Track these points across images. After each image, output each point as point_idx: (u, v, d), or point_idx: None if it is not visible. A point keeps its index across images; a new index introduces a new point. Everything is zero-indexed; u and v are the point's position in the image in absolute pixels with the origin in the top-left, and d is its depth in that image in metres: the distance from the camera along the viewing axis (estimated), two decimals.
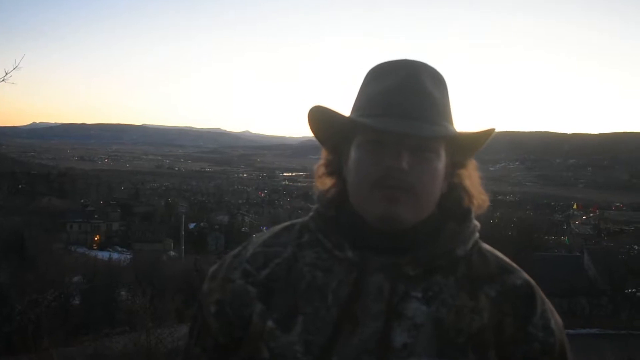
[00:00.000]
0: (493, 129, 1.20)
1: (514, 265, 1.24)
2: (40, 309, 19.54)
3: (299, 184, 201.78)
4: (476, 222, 1.25)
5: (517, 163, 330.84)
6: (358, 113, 1.18)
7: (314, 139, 1.32)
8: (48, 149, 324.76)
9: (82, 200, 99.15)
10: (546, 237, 50.90)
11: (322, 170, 1.31)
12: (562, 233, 79.64)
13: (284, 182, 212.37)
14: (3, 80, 12.78)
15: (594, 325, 30.89)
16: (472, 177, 1.27)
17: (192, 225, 76.50)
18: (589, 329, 30.32)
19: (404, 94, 1.15)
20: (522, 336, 1.16)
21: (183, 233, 58.25)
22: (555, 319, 1.22)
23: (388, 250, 1.15)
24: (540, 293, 1.22)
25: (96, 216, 79.03)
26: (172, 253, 54.94)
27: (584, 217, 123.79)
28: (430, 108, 1.15)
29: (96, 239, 72.60)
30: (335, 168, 1.28)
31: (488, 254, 1.23)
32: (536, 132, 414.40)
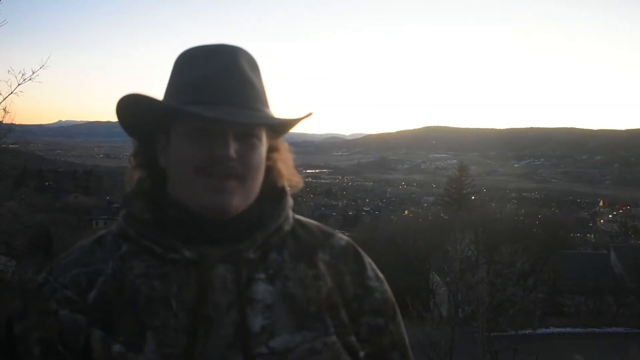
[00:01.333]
0: (310, 114, 1.20)
1: (331, 228, 1.30)
2: None
3: (322, 180, 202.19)
4: (290, 199, 1.26)
5: (542, 160, 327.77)
6: (177, 100, 1.14)
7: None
8: (74, 146, 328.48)
9: (107, 197, 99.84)
10: (572, 235, 50.48)
11: (132, 162, 1.23)
12: (588, 231, 78.91)
13: (307, 179, 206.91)
14: (30, 79, 12.90)
15: (620, 324, 30.72)
16: (285, 160, 1.27)
17: None
18: (616, 328, 30.16)
19: (225, 80, 1.13)
20: (363, 290, 1.22)
21: None
22: (377, 268, 1.30)
23: (224, 239, 1.13)
24: (359, 248, 1.29)
25: None
26: None
27: (611, 215, 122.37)
28: (252, 94, 1.15)
29: None
30: (146, 159, 1.22)
31: (308, 224, 1.28)
32: (562, 128, 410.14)
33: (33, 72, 13.14)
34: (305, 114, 1.20)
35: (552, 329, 28.75)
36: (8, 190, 20.42)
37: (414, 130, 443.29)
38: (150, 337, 1.06)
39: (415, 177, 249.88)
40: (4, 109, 13.61)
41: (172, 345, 1.05)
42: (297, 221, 1.26)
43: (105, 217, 76.09)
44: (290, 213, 1.25)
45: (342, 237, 1.28)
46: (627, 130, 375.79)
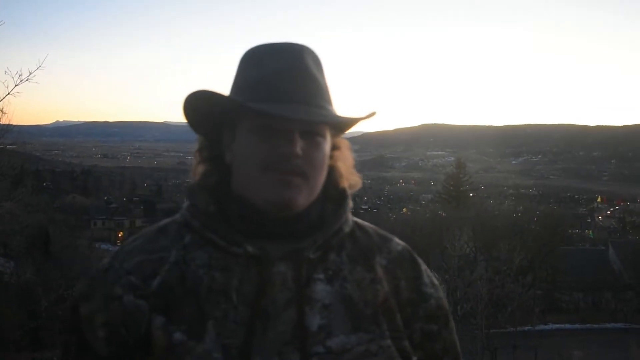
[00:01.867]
0: (375, 112, 1.21)
1: (388, 233, 1.31)
2: (65, 305, 19.79)
3: None
4: (350, 201, 1.27)
5: (539, 156, 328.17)
6: (244, 97, 1.16)
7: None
8: (72, 147, 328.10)
9: (105, 198, 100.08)
10: (570, 231, 50.57)
11: (197, 156, 1.26)
12: (586, 227, 79.11)
13: None
14: (27, 80, 12.90)
15: (618, 320, 30.77)
16: (346, 158, 1.28)
17: None
18: (614, 324, 30.20)
19: (292, 78, 1.15)
20: (418, 296, 1.24)
21: None
22: (432, 275, 1.31)
23: (285, 237, 1.15)
24: (415, 254, 1.30)
25: (120, 213, 79.72)
26: None
27: (609, 211, 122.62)
28: (317, 92, 1.17)
29: (120, 235, 73.00)
30: (211, 154, 1.24)
31: (366, 227, 1.29)
32: (559, 124, 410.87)
33: (30, 73, 13.13)
34: (369, 113, 1.22)
35: (550, 326, 28.81)
36: (6, 190, 20.38)
37: (412, 128, 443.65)
38: (210, 327, 1.07)
39: (413, 175, 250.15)
40: (1, 110, 13.62)
41: (231, 337, 1.07)
42: (355, 223, 1.27)
43: (103, 217, 76.23)
44: (350, 215, 1.26)
45: (399, 242, 1.30)
46: (625, 126, 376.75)
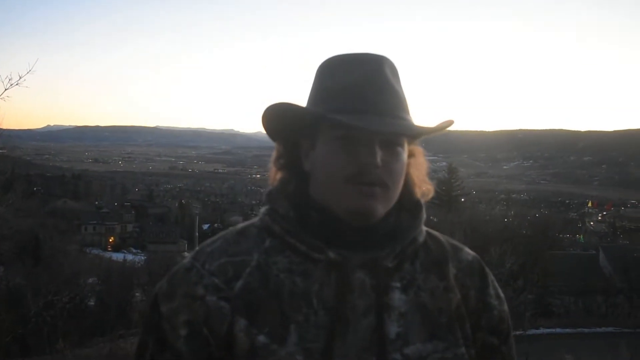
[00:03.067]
0: (452, 121, 1.24)
1: (459, 242, 1.34)
2: (55, 311, 19.71)
3: None
4: (424, 212, 1.29)
5: (531, 161, 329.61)
6: (323, 107, 1.18)
7: None
8: (62, 151, 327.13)
9: (96, 202, 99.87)
10: (561, 236, 50.71)
11: (276, 164, 1.29)
12: (577, 231, 79.36)
13: None
14: (17, 84, 12.84)
15: (609, 324, 30.83)
16: (420, 165, 1.31)
17: (206, 227, 76.41)
18: (605, 328, 30.26)
19: (371, 89, 1.17)
20: (483, 306, 1.26)
21: (197, 234, 58.18)
22: (498, 287, 1.34)
23: (363, 245, 1.17)
24: (484, 264, 1.33)
25: (111, 218, 79.39)
26: (186, 254, 53.55)
27: (600, 215, 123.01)
28: (396, 103, 1.18)
29: (111, 240, 72.86)
30: (289, 161, 1.27)
31: (438, 236, 1.32)
32: (550, 129, 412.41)
33: (20, 77, 13.04)
34: (446, 122, 1.24)
35: (542, 330, 28.78)
36: None
37: None
38: (293, 330, 1.09)
39: None
40: None
41: (313, 341, 1.09)
42: (427, 233, 1.30)
43: (94, 221, 75.93)
44: (423, 225, 1.28)
45: (470, 252, 1.33)
46: (615, 131, 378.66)
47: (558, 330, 29.59)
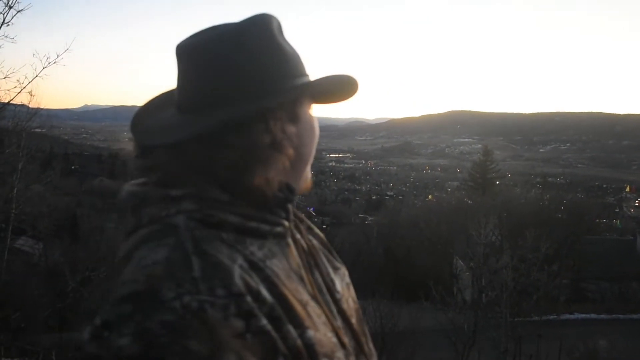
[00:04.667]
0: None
1: None
2: (92, 287, 20.06)
3: (346, 165, 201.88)
4: None
5: (568, 144, 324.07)
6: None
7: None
8: (100, 130, 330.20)
9: (132, 181, 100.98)
10: (597, 221, 49.92)
11: None
12: (615, 216, 78.08)
13: (330, 164, 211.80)
14: (55, 63, 13.02)
15: None
16: None
17: None
18: None
19: None
20: None
21: None
22: None
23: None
24: None
25: None
26: None
27: (638, 201, 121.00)
28: None
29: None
30: None
31: None
32: (588, 112, 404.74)
33: (57, 56, 13.23)
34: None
35: (576, 315, 28.58)
36: (34, 173, 20.66)
37: (439, 114, 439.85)
38: (313, 313, 1.04)
39: (440, 162, 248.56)
40: (30, 93, 13.76)
41: (329, 316, 1.08)
42: None
43: None
44: None
45: None
46: None
47: (592, 315, 29.32)
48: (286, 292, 1.00)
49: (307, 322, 1.00)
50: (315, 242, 1.23)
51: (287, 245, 1.10)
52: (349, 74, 1.14)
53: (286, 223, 1.10)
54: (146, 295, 0.88)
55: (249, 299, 0.93)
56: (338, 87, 1.17)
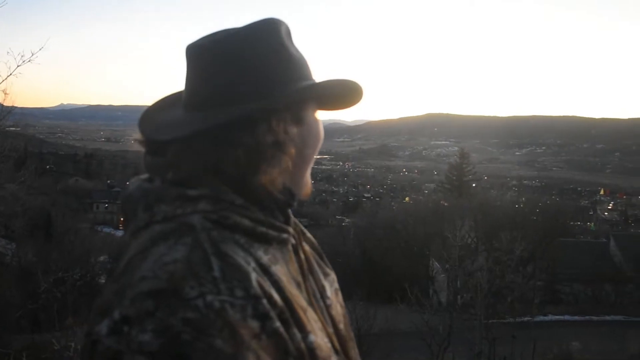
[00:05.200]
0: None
1: None
2: (65, 288, 19.87)
3: (323, 166, 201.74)
4: None
5: (543, 148, 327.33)
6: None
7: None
8: (75, 130, 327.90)
9: (108, 181, 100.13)
10: (572, 223, 50.53)
11: None
12: (588, 219, 79.04)
13: None
14: (29, 61, 12.88)
15: (618, 313, 30.81)
16: None
17: None
18: (614, 316, 30.25)
19: None
20: None
21: None
22: None
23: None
24: None
25: None
26: None
27: (611, 203, 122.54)
28: None
29: (122, 219, 73.34)
30: None
31: None
32: (564, 116, 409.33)
33: (32, 54, 13.10)
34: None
35: (550, 317, 28.83)
36: (8, 172, 20.39)
37: (416, 117, 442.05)
38: (311, 319, 1.05)
39: (417, 164, 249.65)
40: (4, 91, 13.60)
41: (323, 322, 1.10)
42: None
43: (106, 200, 76.30)
44: None
45: None
46: (629, 119, 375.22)
47: (566, 317, 29.63)
48: (290, 297, 1.01)
49: (309, 327, 1.02)
50: (307, 247, 1.23)
51: (288, 251, 1.12)
52: (354, 79, 1.16)
53: (290, 230, 1.13)
54: (169, 292, 0.89)
55: (264, 301, 0.94)
56: (343, 92, 1.20)
